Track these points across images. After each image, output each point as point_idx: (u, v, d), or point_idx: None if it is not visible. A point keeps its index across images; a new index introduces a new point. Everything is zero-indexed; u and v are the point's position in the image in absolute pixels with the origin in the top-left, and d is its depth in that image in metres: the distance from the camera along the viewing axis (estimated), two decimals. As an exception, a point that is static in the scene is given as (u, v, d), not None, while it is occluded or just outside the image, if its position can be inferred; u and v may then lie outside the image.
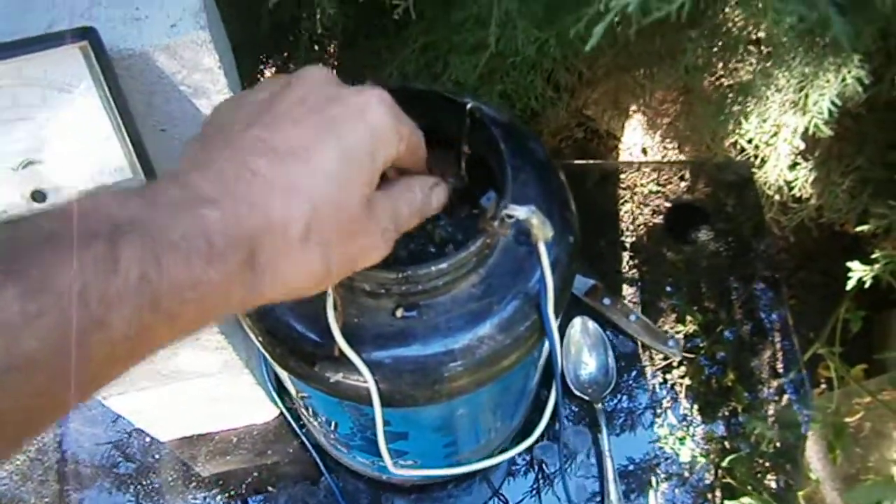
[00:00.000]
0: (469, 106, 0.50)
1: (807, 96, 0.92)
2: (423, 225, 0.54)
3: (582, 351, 0.77)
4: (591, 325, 0.78)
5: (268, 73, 0.99)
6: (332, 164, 0.31)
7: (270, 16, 0.78)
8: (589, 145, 1.65)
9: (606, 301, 0.80)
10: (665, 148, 1.58)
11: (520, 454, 0.75)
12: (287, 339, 0.47)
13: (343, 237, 0.32)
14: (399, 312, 0.47)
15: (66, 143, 0.44)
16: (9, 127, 0.43)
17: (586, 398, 0.75)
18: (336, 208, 0.31)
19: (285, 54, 0.94)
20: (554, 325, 0.48)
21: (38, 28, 0.47)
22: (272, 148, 0.30)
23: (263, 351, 0.51)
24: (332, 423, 0.57)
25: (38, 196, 0.44)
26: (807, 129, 1.06)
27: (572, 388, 0.76)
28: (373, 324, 0.46)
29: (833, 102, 0.90)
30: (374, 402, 0.45)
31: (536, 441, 0.74)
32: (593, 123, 1.61)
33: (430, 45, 0.81)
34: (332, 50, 0.96)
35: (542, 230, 0.42)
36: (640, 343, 0.81)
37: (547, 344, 0.55)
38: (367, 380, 0.45)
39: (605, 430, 0.74)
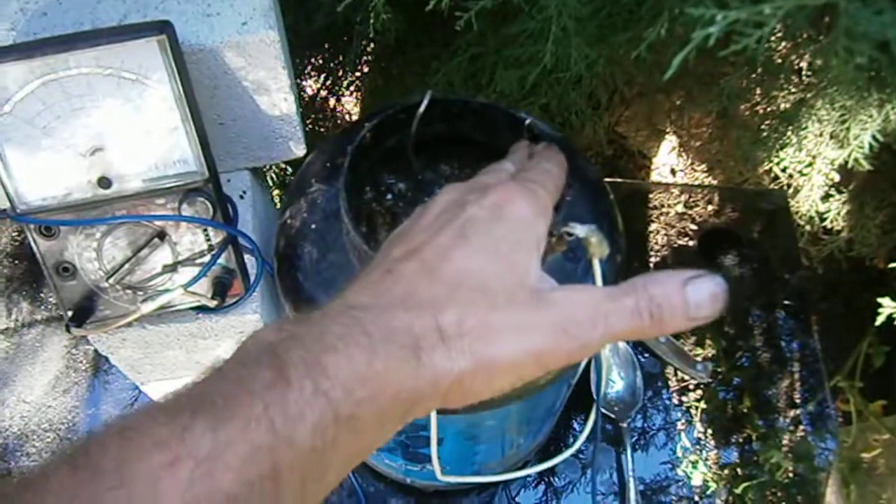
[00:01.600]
0: (528, 122, 0.50)
1: (848, 129, 0.92)
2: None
3: (611, 369, 0.77)
4: (622, 344, 0.78)
5: (313, 74, 1.01)
6: (478, 259, 0.32)
7: (325, 15, 0.79)
8: (618, 162, 1.65)
9: (637, 321, 0.80)
10: (694, 170, 1.58)
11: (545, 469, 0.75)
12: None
13: (500, 331, 0.30)
14: (447, 321, 0.47)
15: (134, 132, 0.45)
16: (82, 113, 0.44)
17: (612, 416, 0.76)
18: (487, 303, 0.30)
19: (335, 56, 0.95)
20: (608, 349, 0.48)
21: (112, 19, 0.48)
22: (420, 257, 0.32)
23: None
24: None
25: (104, 182, 0.46)
26: (845, 162, 1.06)
27: (600, 406, 0.76)
28: (420, 330, 0.47)
29: (874, 137, 0.90)
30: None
31: (566, 457, 0.75)
32: (624, 141, 1.61)
33: (478, 57, 0.82)
34: (379, 53, 0.97)
35: (599, 248, 0.42)
36: (664, 364, 0.81)
37: (581, 363, 0.56)
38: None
39: (629, 450, 0.74)
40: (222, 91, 0.52)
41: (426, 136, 0.55)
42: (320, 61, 1.00)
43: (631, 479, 0.72)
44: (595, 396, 0.51)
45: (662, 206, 1.05)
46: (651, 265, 0.93)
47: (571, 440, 0.77)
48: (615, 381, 0.77)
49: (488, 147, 0.55)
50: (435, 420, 0.47)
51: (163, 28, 0.43)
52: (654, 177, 1.67)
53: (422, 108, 0.51)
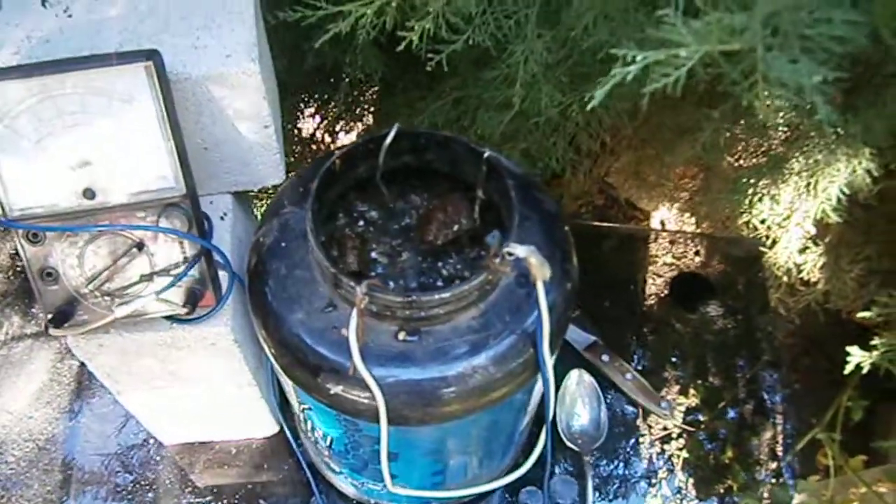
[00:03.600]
0: (486, 155, 0.54)
1: (817, 182, 0.95)
2: (435, 261, 0.58)
3: (576, 402, 0.79)
4: (587, 378, 0.80)
5: (307, 112, 1.05)
6: None
7: (314, 57, 0.83)
8: (609, 212, 1.69)
9: (605, 358, 0.83)
10: (683, 222, 1.61)
11: (507, 497, 0.77)
12: (296, 349, 0.51)
13: None
14: (401, 335, 0.50)
15: (120, 149, 0.49)
16: (74, 129, 0.48)
17: (576, 449, 0.78)
18: None
19: (326, 96, 1.00)
20: (549, 360, 0.51)
21: (109, 48, 0.53)
22: None
23: (272, 359, 0.54)
24: (328, 439, 0.60)
25: (88, 193, 0.49)
26: (818, 215, 1.09)
27: (564, 438, 0.78)
28: (376, 344, 0.50)
29: (842, 190, 0.94)
30: (381, 420, 0.48)
31: (524, 484, 0.77)
32: (614, 192, 1.65)
33: (460, 100, 0.86)
34: (370, 96, 1.02)
35: (540, 270, 0.46)
36: (641, 410, 0.83)
37: (538, 388, 0.58)
38: (373, 396, 0.48)
39: (590, 483, 0.76)
40: (206, 118, 0.56)
41: (396, 167, 0.59)
42: (317, 102, 1.05)
43: (591, 512, 0.74)
44: (545, 411, 0.53)
45: (650, 255, 1.08)
46: (637, 312, 0.96)
47: (536, 469, 0.78)
48: (580, 415, 0.79)
49: (451, 177, 0.59)
50: (385, 429, 0.50)
51: (150, 55, 0.47)
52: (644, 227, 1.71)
53: (388, 140, 0.55)
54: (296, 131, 1.11)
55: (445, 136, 0.56)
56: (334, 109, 1.05)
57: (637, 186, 1.59)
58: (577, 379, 0.80)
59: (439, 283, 0.57)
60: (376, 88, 1.01)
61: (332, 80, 0.95)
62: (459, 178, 0.59)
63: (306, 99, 1.02)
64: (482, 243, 0.59)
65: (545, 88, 0.70)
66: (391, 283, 0.57)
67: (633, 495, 0.80)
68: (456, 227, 0.58)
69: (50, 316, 0.52)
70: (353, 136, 1.22)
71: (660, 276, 1.05)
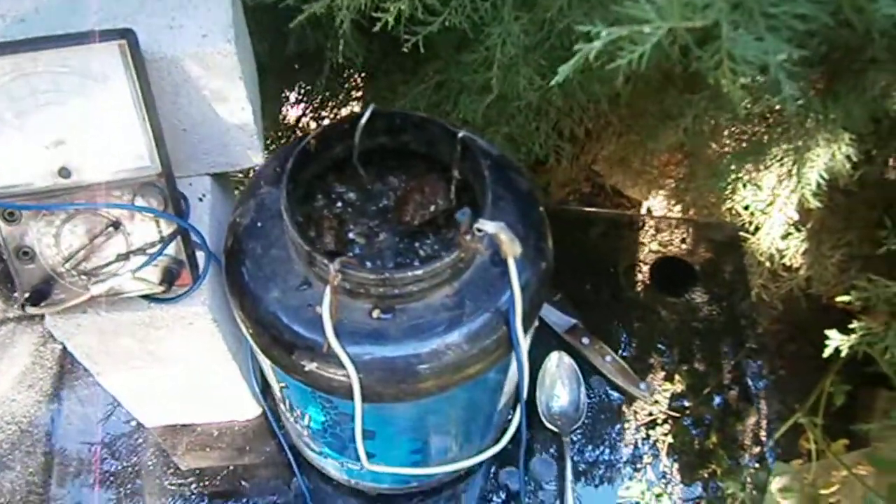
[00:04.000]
0: (460, 135, 0.54)
1: (799, 168, 0.96)
2: (412, 241, 0.58)
3: (556, 384, 0.80)
4: (567, 359, 0.81)
5: (292, 97, 1.06)
6: None
7: (296, 41, 0.84)
8: (596, 199, 1.70)
9: (585, 340, 0.84)
10: (669, 209, 1.62)
11: (486, 477, 0.78)
12: (272, 327, 0.51)
13: None
14: (375, 313, 0.51)
15: (95, 128, 0.49)
16: (48, 108, 0.48)
17: (555, 430, 0.78)
18: None
19: (309, 81, 1.00)
20: (522, 338, 0.52)
21: (84, 27, 0.53)
22: None
23: (249, 338, 0.55)
24: (306, 417, 0.61)
25: (63, 172, 0.50)
26: (800, 201, 1.10)
27: (543, 419, 0.79)
28: (350, 321, 0.50)
29: (821, 175, 0.94)
30: (355, 397, 0.49)
31: (505, 465, 0.78)
32: (601, 179, 1.66)
33: (442, 84, 0.86)
34: (354, 81, 1.02)
35: (510, 246, 0.46)
36: (626, 396, 0.83)
37: (514, 367, 0.59)
38: (348, 374, 0.49)
39: (569, 463, 0.76)
40: (183, 98, 0.56)
41: (372, 147, 0.59)
42: (301, 87, 1.05)
43: (569, 489, 0.75)
44: (520, 389, 0.54)
45: (636, 241, 1.09)
46: (622, 299, 0.96)
47: (514, 451, 0.79)
48: (559, 396, 0.80)
49: (427, 157, 0.60)
50: (360, 406, 0.50)
51: (124, 34, 0.47)
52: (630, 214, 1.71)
53: (363, 120, 0.55)
54: (281, 117, 1.11)
55: (420, 117, 0.56)
56: (318, 95, 1.05)
57: (623, 174, 1.59)
58: (557, 361, 0.81)
59: (416, 263, 0.58)
60: (360, 73, 1.01)
61: (314, 64, 0.95)
62: (435, 159, 0.59)
63: (290, 83, 1.02)
64: (457, 222, 0.59)
65: (523, 71, 0.70)
66: (368, 264, 0.57)
67: (617, 480, 0.81)
68: (432, 208, 0.58)
69: (27, 295, 0.52)
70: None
71: (645, 262, 1.05)
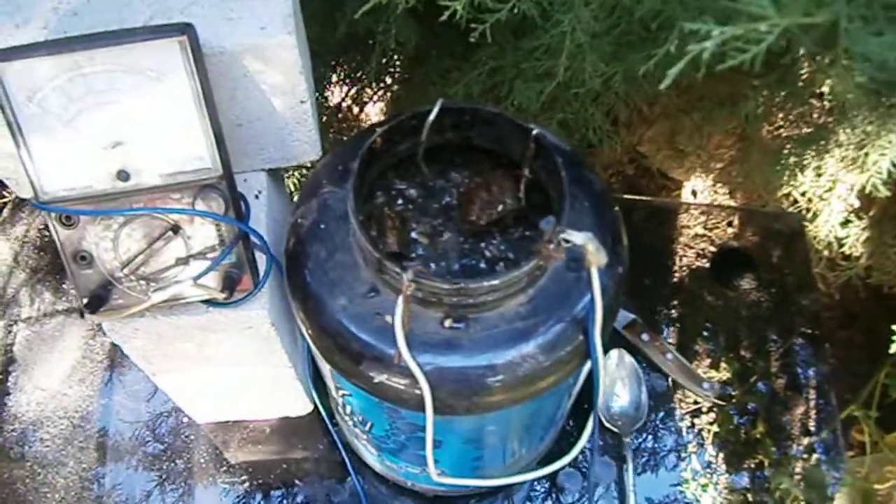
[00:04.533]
0: (535, 132, 0.51)
1: (867, 155, 0.91)
2: (477, 242, 0.56)
3: (616, 383, 0.77)
4: (628, 358, 0.78)
5: (336, 81, 1.03)
6: None
7: (347, 25, 0.80)
8: (639, 182, 1.65)
9: (645, 337, 0.81)
10: (716, 192, 1.57)
11: (543, 479, 0.76)
12: (338, 336, 0.49)
13: None
14: (448, 323, 0.48)
15: (153, 129, 0.47)
16: (104, 109, 0.46)
17: (615, 430, 0.76)
18: None
19: (355, 65, 0.97)
20: (600, 349, 0.49)
21: (138, 21, 0.51)
22: None
23: (312, 345, 0.53)
24: (368, 424, 0.59)
25: (122, 175, 0.47)
26: (863, 188, 1.05)
27: (602, 419, 0.76)
28: (421, 331, 0.48)
29: (893, 163, 0.90)
30: (426, 410, 0.47)
31: (563, 466, 0.75)
32: (645, 161, 1.61)
33: (497, 70, 0.83)
34: (400, 65, 0.99)
35: (596, 256, 0.43)
36: (672, 383, 0.81)
37: (584, 371, 0.56)
38: (418, 385, 0.46)
39: (630, 465, 0.74)
40: (241, 93, 0.54)
41: (438, 143, 0.56)
42: (345, 71, 1.02)
43: (632, 495, 0.72)
44: (594, 402, 0.51)
45: (682, 226, 1.05)
46: (668, 284, 0.94)
47: (571, 446, 0.77)
48: (619, 396, 0.77)
49: (495, 154, 0.56)
50: (431, 420, 0.48)
51: (184, 29, 0.45)
52: (675, 197, 1.67)
53: (432, 116, 0.52)
54: (322, 100, 1.09)
55: (491, 112, 0.53)
56: (363, 79, 1.02)
57: (670, 156, 1.55)
58: (618, 359, 0.78)
59: (482, 265, 0.55)
60: (407, 58, 0.98)
61: (362, 48, 0.92)
62: (504, 156, 0.56)
63: (335, 67, 0.99)
64: (526, 223, 0.56)
65: (590, 58, 0.66)
66: (432, 265, 0.54)
67: (661, 469, 0.79)
68: (500, 207, 0.55)
69: (85, 300, 0.50)
70: (381, 106, 1.19)
71: (691, 247, 1.02)
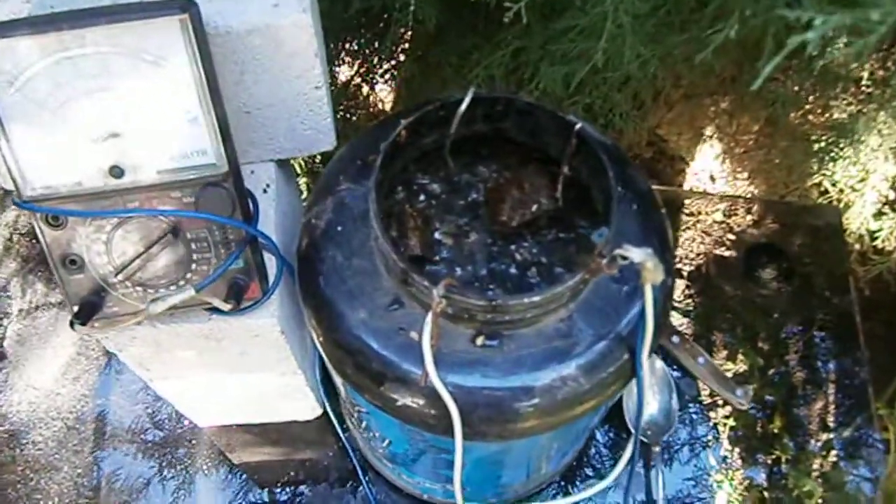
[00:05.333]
0: (578, 126, 0.46)
1: (911, 145, 0.86)
2: (507, 244, 0.50)
3: (646, 391, 0.73)
4: (659, 364, 0.74)
5: (346, 59, 0.97)
6: None
7: (361, 1, 0.75)
8: (656, 166, 1.59)
9: (675, 339, 0.76)
10: (735, 177, 1.52)
11: (565, 491, 0.71)
12: (357, 353, 0.44)
13: None
14: (479, 340, 0.43)
15: (151, 119, 0.41)
16: (96, 95, 0.40)
17: (644, 440, 0.71)
18: None
19: (367, 42, 0.91)
20: (647, 370, 0.44)
21: (135, -5, 0.45)
22: None
23: (326, 360, 0.48)
24: (386, 441, 0.54)
25: (116, 171, 0.42)
26: (895, 178, 1.00)
27: (630, 426, 0.72)
28: (450, 349, 0.43)
29: (940, 155, 0.84)
30: (455, 436, 0.42)
31: (587, 478, 0.71)
32: (664, 144, 1.55)
33: (521, 51, 0.77)
34: (418, 42, 0.93)
35: (654, 274, 0.38)
36: (699, 384, 0.77)
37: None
38: (446, 409, 0.41)
39: (661, 476, 0.69)
40: (249, 77, 0.48)
41: (465, 135, 0.51)
42: (355, 47, 0.96)
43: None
44: (633, 429, 0.46)
45: (700, 213, 1.00)
46: (684, 274, 0.89)
47: (595, 455, 0.73)
48: (649, 403, 0.72)
49: (529, 148, 0.51)
50: (460, 448, 0.43)
51: (186, 6, 0.39)
52: (693, 182, 1.61)
53: (463, 107, 0.47)
54: (333, 80, 1.03)
55: (528, 103, 0.48)
56: (375, 56, 0.96)
57: (690, 139, 1.49)
58: (649, 365, 0.73)
59: (512, 270, 0.50)
60: (423, 36, 0.91)
61: (375, 25, 0.86)
62: (537, 150, 0.51)
63: (347, 45, 0.93)
64: (561, 224, 0.51)
65: (629, 41, 0.61)
66: (458, 269, 0.49)
67: (675, 463, 0.74)
68: (535, 207, 0.50)
69: (76, 308, 0.45)
70: (393, 86, 1.13)
71: (710, 235, 0.97)
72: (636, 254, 0.36)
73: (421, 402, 0.43)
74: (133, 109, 0.41)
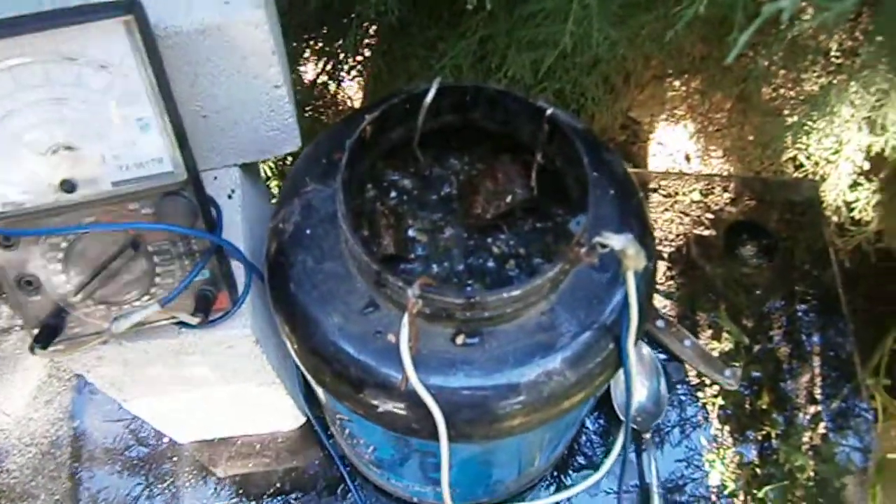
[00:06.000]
0: (549, 112, 0.44)
1: (886, 114, 0.85)
2: (484, 237, 0.49)
3: (634, 379, 0.72)
4: (646, 350, 0.73)
5: (310, 57, 0.94)
6: None
7: (321, -5, 0.73)
8: (630, 148, 1.59)
9: (660, 324, 0.75)
10: (709, 155, 1.52)
11: (558, 484, 0.70)
12: (334, 360, 0.42)
13: None
14: (460, 339, 0.42)
15: (101, 129, 0.39)
16: (39, 107, 0.38)
17: (634, 427, 0.70)
18: None
19: (330, 38, 0.88)
20: (633, 359, 0.43)
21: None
22: None
23: (303, 368, 0.46)
24: (371, 447, 0.53)
25: (67, 185, 0.40)
26: (870, 147, 1.00)
27: (620, 414, 0.71)
28: (429, 350, 0.41)
29: (914, 122, 0.84)
30: (440, 439, 0.40)
31: (580, 468, 0.70)
32: (637, 126, 1.55)
33: (487, 39, 0.76)
34: (382, 36, 0.91)
35: (635, 260, 0.37)
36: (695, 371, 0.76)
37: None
38: (429, 412, 0.40)
39: (653, 463, 0.69)
40: (204, 80, 0.46)
41: (433, 127, 0.49)
42: (319, 44, 0.94)
43: (656, 496, 0.67)
44: (623, 418, 0.45)
45: (677, 193, 1.00)
46: (664, 255, 0.88)
47: (586, 443, 0.72)
48: (637, 390, 0.71)
49: (500, 137, 0.49)
50: (446, 451, 0.42)
51: (130, 7, 0.37)
52: (668, 162, 1.61)
53: (429, 98, 0.45)
54: (294, 78, 1.00)
55: (497, 91, 0.46)
56: (340, 53, 0.94)
57: (663, 120, 1.48)
58: (635, 353, 0.72)
59: (490, 264, 0.48)
60: (387, 29, 0.90)
61: (337, 20, 0.84)
62: (509, 139, 0.49)
63: (310, 42, 0.91)
64: (537, 214, 0.50)
65: (598, 22, 0.59)
66: (434, 266, 0.48)
67: (666, 445, 0.74)
68: (509, 198, 0.49)
69: (36, 332, 0.43)
70: (360, 82, 1.11)
71: (688, 216, 0.97)
72: (616, 241, 0.35)
73: (403, 406, 0.42)
74: (81, 119, 0.39)
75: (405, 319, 0.39)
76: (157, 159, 0.41)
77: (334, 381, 0.43)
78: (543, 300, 0.42)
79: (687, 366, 0.76)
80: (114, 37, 0.37)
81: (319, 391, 0.50)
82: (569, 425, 0.57)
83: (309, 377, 0.47)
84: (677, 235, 0.94)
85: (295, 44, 0.91)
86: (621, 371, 0.44)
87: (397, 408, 0.42)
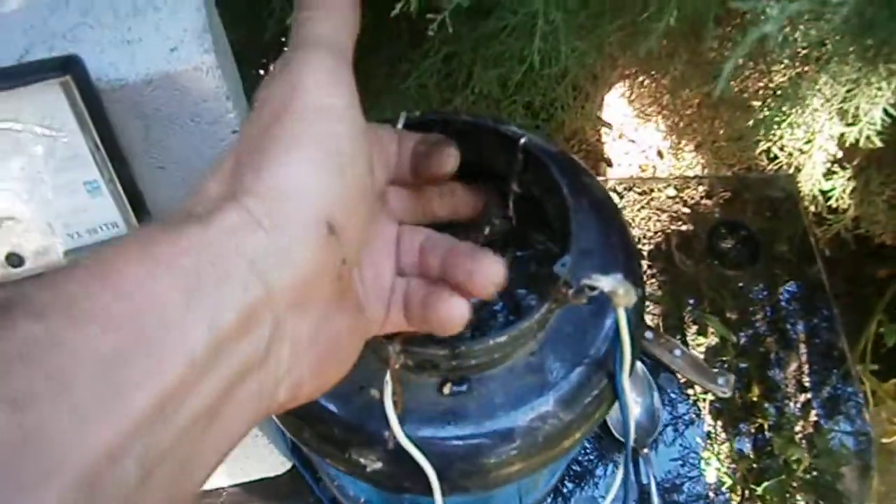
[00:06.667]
0: (523, 141, 0.42)
1: (857, 105, 0.85)
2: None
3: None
4: (638, 366, 0.71)
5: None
6: None
7: (276, 24, 0.70)
8: (601, 148, 1.58)
9: (649, 336, 0.73)
10: (681, 150, 1.51)
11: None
12: (316, 421, 0.40)
13: None
14: (447, 389, 0.39)
15: (46, 196, 0.37)
16: (-24, 179, 0.35)
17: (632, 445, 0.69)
18: None
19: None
20: (629, 394, 0.41)
21: (12, 54, 0.40)
22: None
23: (287, 432, 0.43)
24: (361, 500, 0.50)
25: (14, 260, 0.37)
26: (843, 136, 0.99)
27: (615, 432, 0.69)
28: (416, 402, 0.39)
29: (886, 111, 0.83)
30: (434, 496, 0.38)
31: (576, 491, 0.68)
32: (607, 127, 1.54)
33: (452, 56, 0.74)
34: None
35: (626, 298, 0.35)
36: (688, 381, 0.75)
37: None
38: (421, 469, 0.38)
39: (652, 480, 0.67)
40: (157, 131, 0.43)
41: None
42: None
43: (655, 500, 0.65)
44: (625, 451, 0.43)
45: (652, 190, 0.99)
46: (643, 254, 0.88)
47: (580, 452, 0.70)
48: (632, 409, 0.70)
49: (474, 167, 0.47)
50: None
51: (66, 65, 0.34)
52: (641, 159, 1.60)
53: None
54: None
55: (465, 122, 0.44)
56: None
57: (634, 118, 1.48)
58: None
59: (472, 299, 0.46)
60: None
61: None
62: (484, 169, 0.47)
63: (266, 68, 0.88)
64: (517, 242, 0.48)
65: (563, 37, 0.57)
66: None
67: (660, 445, 0.73)
68: (487, 229, 0.47)
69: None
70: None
71: (664, 212, 0.96)
72: (605, 283, 0.33)
73: (392, 464, 0.39)
74: (24, 188, 0.36)
75: (388, 377, 0.36)
76: (112, 223, 0.38)
77: (318, 442, 0.41)
78: (531, 341, 0.40)
79: (679, 375, 0.75)
80: (52, 99, 0.35)
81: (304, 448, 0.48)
82: (568, 457, 0.56)
83: (292, 438, 0.44)
84: (656, 233, 0.93)
85: (254, 71, 0.88)
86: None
87: (387, 466, 0.40)
